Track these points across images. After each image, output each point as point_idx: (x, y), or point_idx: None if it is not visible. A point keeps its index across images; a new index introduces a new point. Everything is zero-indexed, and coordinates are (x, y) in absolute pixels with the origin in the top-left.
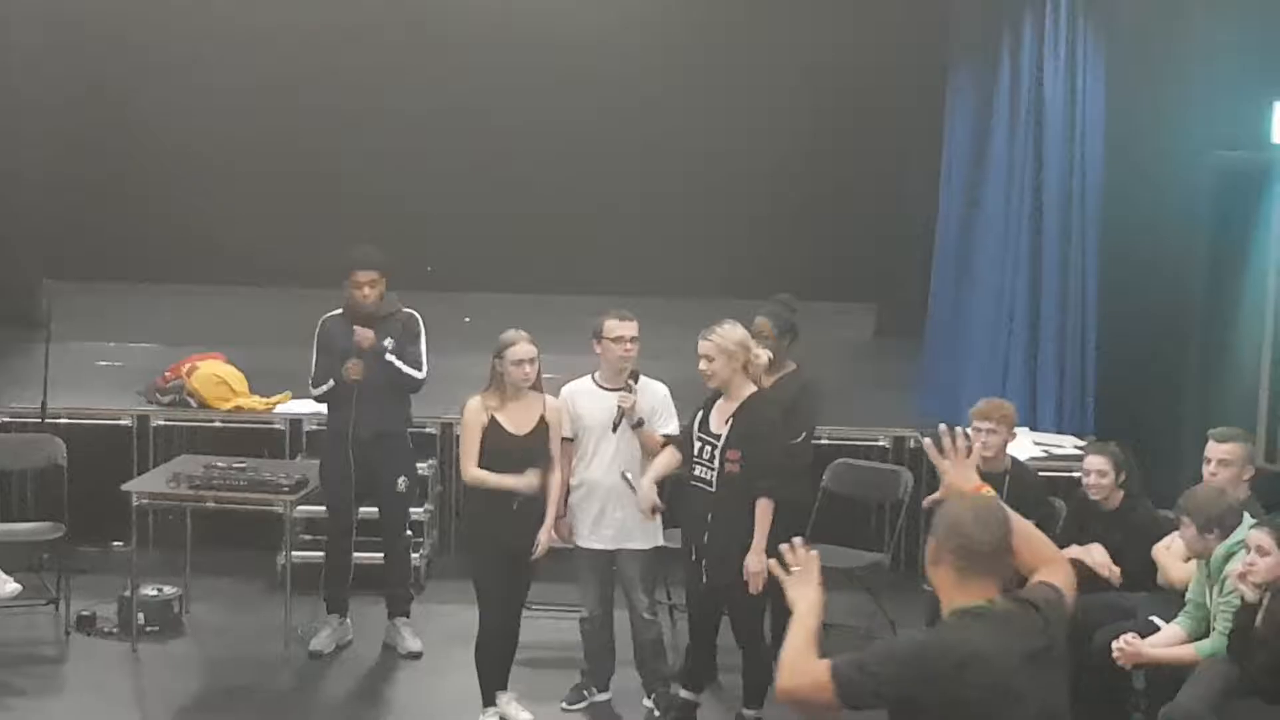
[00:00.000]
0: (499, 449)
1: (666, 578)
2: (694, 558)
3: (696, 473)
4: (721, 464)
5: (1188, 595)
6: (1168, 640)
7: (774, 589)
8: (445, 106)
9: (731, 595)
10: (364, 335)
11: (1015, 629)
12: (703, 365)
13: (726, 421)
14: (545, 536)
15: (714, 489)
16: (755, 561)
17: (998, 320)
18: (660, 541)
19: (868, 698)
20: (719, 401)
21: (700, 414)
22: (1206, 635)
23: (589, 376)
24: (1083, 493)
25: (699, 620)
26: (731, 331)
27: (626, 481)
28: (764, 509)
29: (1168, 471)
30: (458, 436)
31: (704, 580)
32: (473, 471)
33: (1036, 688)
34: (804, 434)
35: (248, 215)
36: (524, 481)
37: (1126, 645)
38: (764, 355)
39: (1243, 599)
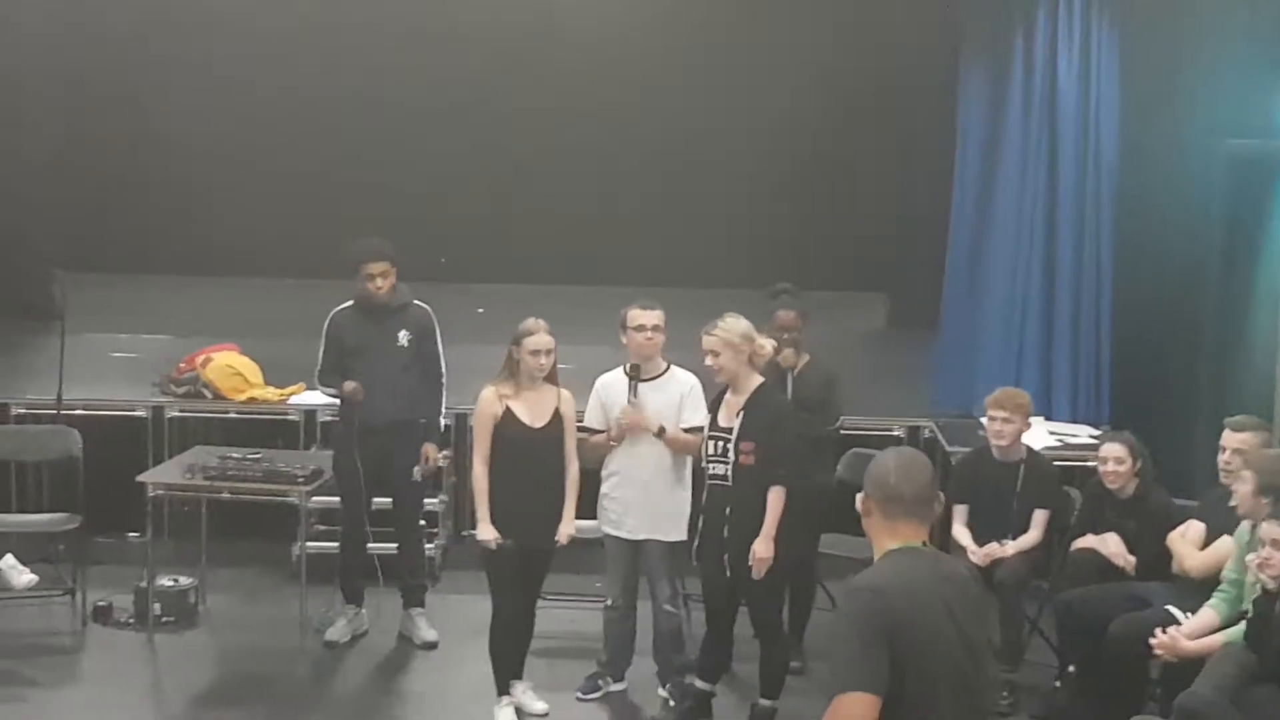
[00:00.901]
0: (514, 440)
1: (682, 568)
2: (714, 551)
3: (711, 470)
4: (736, 456)
5: (1224, 572)
6: (1202, 626)
7: (793, 579)
8: (457, 100)
9: (751, 586)
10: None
11: (944, 567)
12: (709, 361)
13: (737, 415)
14: (566, 529)
15: (730, 482)
16: (763, 548)
17: (1011, 310)
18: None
19: (879, 675)
20: (726, 396)
21: (709, 416)
22: (1241, 615)
23: (621, 368)
24: (1097, 481)
25: (717, 612)
26: (735, 324)
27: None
28: (776, 497)
29: (1182, 460)
30: (472, 427)
31: (728, 574)
32: (479, 472)
33: (963, 624)
34: (837, 421)
35: (261, 207)
36: (490, 533)
37: (1165, 639)
38: (768, 345)
39: (1263, 588)
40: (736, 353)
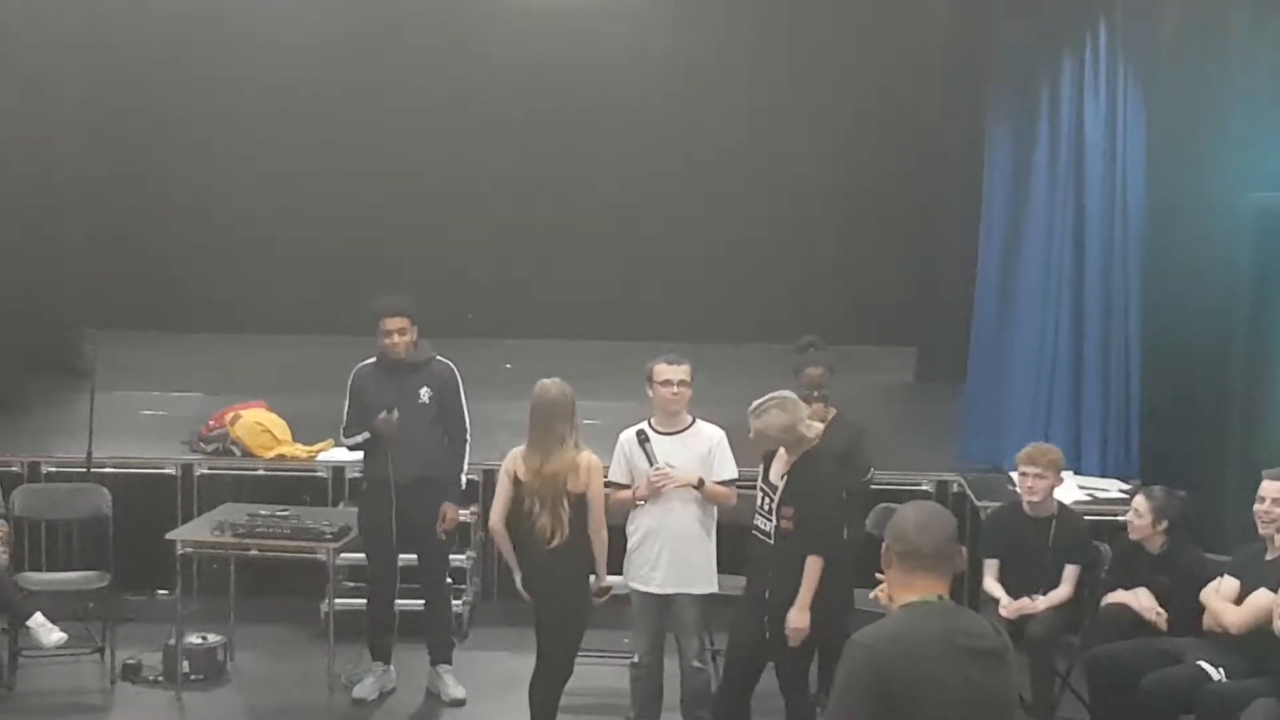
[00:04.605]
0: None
1: (710, 623)
2: (753, 608)
3: (757, 522)
4: (777, 520)
5: None
6: None
7: (823, 639)
8: (484, 158)
9: (782, 649)
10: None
11: (960, 621)
12: (752, 436)
13: (783, 476)
14: (605, 583)
15: (772, 542)
16: (797, 618)
17: (1040, 363)
18: (715, 588)
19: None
20: (780, 451)
21: (762, 465)
22: None
23: (646, 421)
24: (1128, 536)
25: (739, 666)
26: (777, 419)
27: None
28: (813, 566)
29: (1212, 514)
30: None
31: (767, 634)
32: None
33: (976, 679)
34: (867, 475)
35: (290, 266)
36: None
37: None
38: (816, 428)
39: None
40: (780, 435)
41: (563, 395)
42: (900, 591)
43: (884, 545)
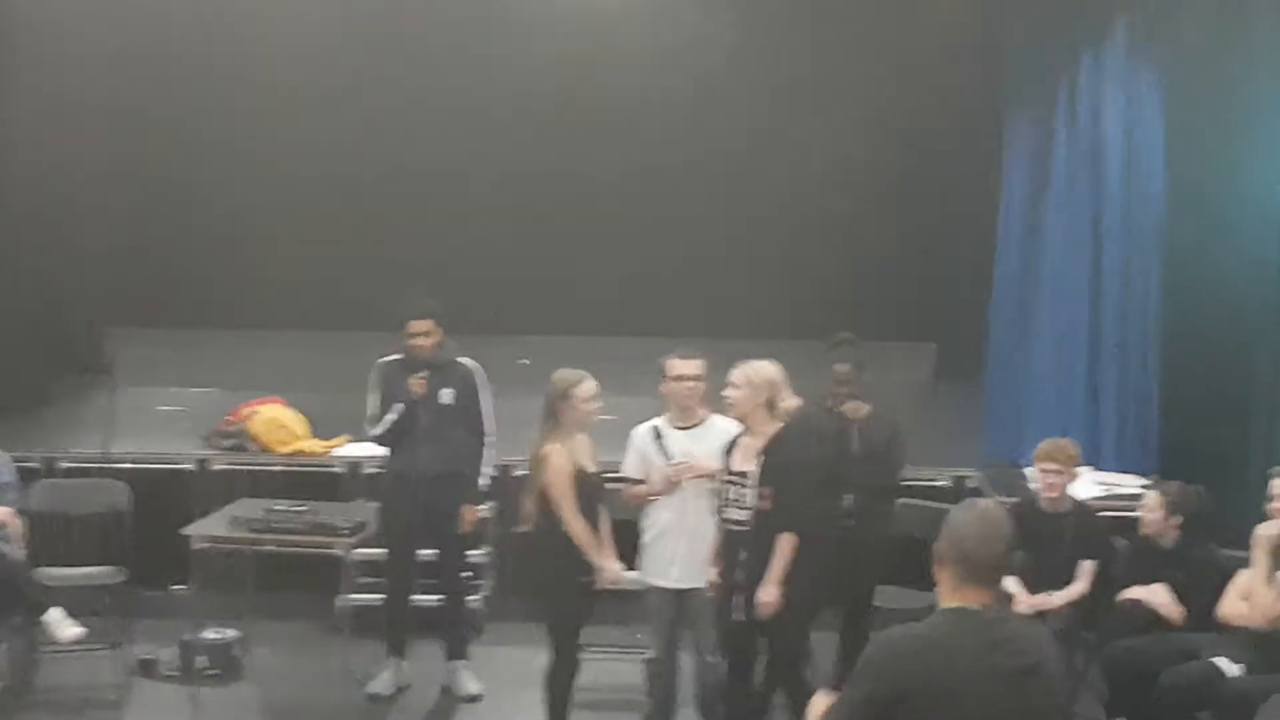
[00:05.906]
0: (584, 490)
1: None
2: (728, 596)
3: (728, 514)
4: (755, 502)
5: None
6: None
7: (845, 631)
8: (500, 152)
9: (771, 635)
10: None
11: (1000, 633)
12: (728, 390)
13: (757, 459)
14: (614, 567)
15: (747, 527)
16: (766, 593)
17: (1059, 359)
18: None
19: (863, 707)
20: (742, 439)
21: (724, 457)
22: None
23: (661, 417)
24: (1143, 532)
25: (740, 656)
26: (763, 368)
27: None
28: (785, 543)
29: (1232, 510)
30: (515, 479)
31: (740, 616)
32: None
33: (1003, 695)
34: (900, 471)
35: (307, 260)
36: (613, 570)
37: None
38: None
39: None
40: (754, 393)
41: (554, 385)
42: (946, 593)
43: (938, 545)
